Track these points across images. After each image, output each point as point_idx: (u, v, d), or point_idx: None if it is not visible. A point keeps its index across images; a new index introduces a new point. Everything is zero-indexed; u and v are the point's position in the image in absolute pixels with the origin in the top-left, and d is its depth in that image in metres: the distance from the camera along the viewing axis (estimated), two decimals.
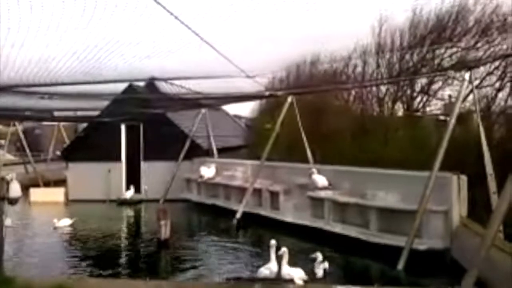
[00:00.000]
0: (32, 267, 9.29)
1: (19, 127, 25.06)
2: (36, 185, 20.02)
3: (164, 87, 14.85)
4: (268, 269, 6.97)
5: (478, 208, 8.76)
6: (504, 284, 6.11)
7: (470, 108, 11.70)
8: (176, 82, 12.62)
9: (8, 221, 7.45)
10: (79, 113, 20.04)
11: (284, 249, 6.96)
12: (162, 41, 6.84)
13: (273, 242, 7.24)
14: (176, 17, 5.77)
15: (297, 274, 6.80)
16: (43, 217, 14.90)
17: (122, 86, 13.53)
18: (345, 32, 8.37)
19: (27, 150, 22.67)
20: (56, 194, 18.68)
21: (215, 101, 16.59)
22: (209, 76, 8.94)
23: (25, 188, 19.06)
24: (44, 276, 7.26)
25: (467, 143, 10.39)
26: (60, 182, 20.12)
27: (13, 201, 8.41)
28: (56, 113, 19.18)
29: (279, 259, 6.94)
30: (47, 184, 20.73)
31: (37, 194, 18.73)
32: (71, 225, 13.29)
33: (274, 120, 13.90)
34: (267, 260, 7.38)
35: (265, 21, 6.76)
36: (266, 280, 6.66)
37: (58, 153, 25.61)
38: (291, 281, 6.50)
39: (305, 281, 6.69)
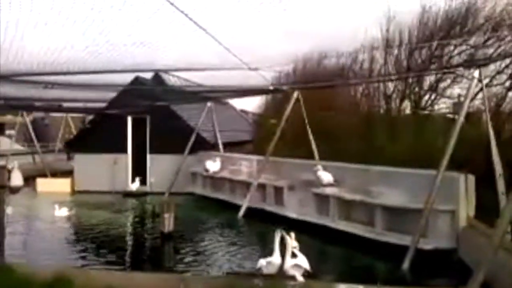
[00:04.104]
0: (31, 255, 9.37)
1: (27, 118, 25.20)
2: (44, 175, 20.14)
3: (170, 80, 14.85)
4: (270, 262, 6.80)
5: (486, 208, 8.63)
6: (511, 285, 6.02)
7: (480, 107, 11.55)
8: (182, 75, 12.59)
9: (8, 210, 7.43)
10: (87, 105, 20.11)
11: (290, 241, 6.70)
12: (167, 34, 6.80)
13: (277, 233, 6.89)
14: (182, 12, 5.74)
15: (301, 262, 6.61)
16: (46, 206, 14.87)
17: (128, 79, 13.54)
18: (353, 28, 8.29)
19: (35, 141, 22.77)
20: (63, 185, 18.80)
21: (221, 94, 16.55)
22: (212, 68, 8.90)
23: (33, 178, 19.20)
24: (45, 265, 7.25)
25: (475, 143, 10.25)
26: (67, 173, 20.28)
27: (14, 190, 8.39)
28: (64, 104, 19.27)
29: (283, 246, 6.71)
30: (54, 174, 20.86)
31: (44, 184, 18.88)
32: (71, 215, 13.45)
33: (280, 116, 13.81)
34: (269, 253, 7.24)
35: (271, 15, 6.70)
36: (267, 276, 6.55)
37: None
38: (293, 277, 6.41)
39: (306, 276, 6.58)
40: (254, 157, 15.06)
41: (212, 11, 5.98)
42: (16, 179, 18.01)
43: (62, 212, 13.34)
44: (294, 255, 6.74)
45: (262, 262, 6.89)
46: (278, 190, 13.00)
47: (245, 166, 15.08)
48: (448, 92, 14.27)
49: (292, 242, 6.75)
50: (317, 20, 7.43)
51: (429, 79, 14.31)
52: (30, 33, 6.23)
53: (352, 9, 7.44)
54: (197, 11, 5.84)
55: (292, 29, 7.66)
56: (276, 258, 6.78)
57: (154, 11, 5.87)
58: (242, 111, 30.39)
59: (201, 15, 6.05)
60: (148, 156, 18.50)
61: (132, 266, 9.08)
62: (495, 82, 12.35)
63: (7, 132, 37.99)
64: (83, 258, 9.37)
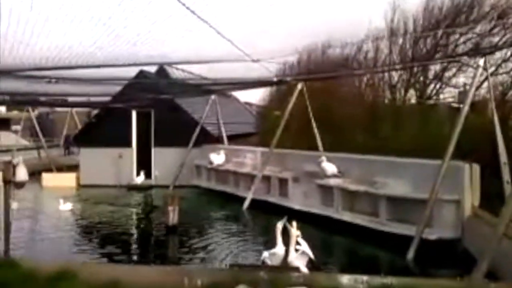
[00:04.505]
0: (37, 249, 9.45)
1: (33, 113, 25.33)
2: (49, 170, 20.27)
3: (174, 73, 14.83)
4: (273, 254, 6.78)
5: (491, 198, 8.57)
6: None
7: (485, 96, 11.42)
8: (185, 67, 12.55)
9: (14, 205, 7.49)
10: (92, 99, 20.16)
11: (294, 231, 6.66)
12: (169, 27, 6.77)
13: (279, 224, 6.87)
14: (183, 4, 5.72)
15: (305, 249, 6.57)
16: (51, 201, 14.97)
17: (132, 73, 13.52)
18: (358, 18, 8.20)
19: (41, 136, 22.91)
20: (68, 179, 18.94)
21: (225, 87, 16.50)
22: (215, 60, 8.86)
23: (38, 173, 19.33)
24: (50, 260, 7.30)
25: (481, 132, 10.15)
26: (73, 167, 20.41)
27: (19, 185, 8.40)
28: (69, 99, 19.32)
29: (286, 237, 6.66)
30: (60, 169, 20.99)
31: (50, 179, 19.03)
32: (75, 209, 13.59)
33: (284, 108, 13.76)
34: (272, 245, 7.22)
35: (274, 5, 6.63)
36: (270, 268, 6.54)
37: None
38: (297, 269, 6.39)
39: (310, 267, 6.56)
40: (259, 149, 15.05)
41: (213, 2, 5.93)
42: (21, 174, 18.04)
43: (67, 206, 13.43)
44: (297, 243, 6.71)
45: (265, 254, 6.87)
46: (283, 182, 13.00)
47: (250, 158, 15.08)
48: (453, 81, 14.16)
49: (294, 231, 6.72)
50: (322, 10, 7.36)
51: (434, 69, 14.18)
52: (33, 28, 6.21)
53: None
54: (198, 3, 5.81)
55: (296, 19, 7.59)
56: (279, 249, 6.75)
57: (155, 4, 5.84)
58: (246, 103, 30.34)
59: (203, 7, 6.01)
60: (153, 149, 18.58)
61: (136, 259, 9.13)
62: (501, 70, 12.22)
63: (13, 127, 38.31)
64: (88, 252, 9.44)
